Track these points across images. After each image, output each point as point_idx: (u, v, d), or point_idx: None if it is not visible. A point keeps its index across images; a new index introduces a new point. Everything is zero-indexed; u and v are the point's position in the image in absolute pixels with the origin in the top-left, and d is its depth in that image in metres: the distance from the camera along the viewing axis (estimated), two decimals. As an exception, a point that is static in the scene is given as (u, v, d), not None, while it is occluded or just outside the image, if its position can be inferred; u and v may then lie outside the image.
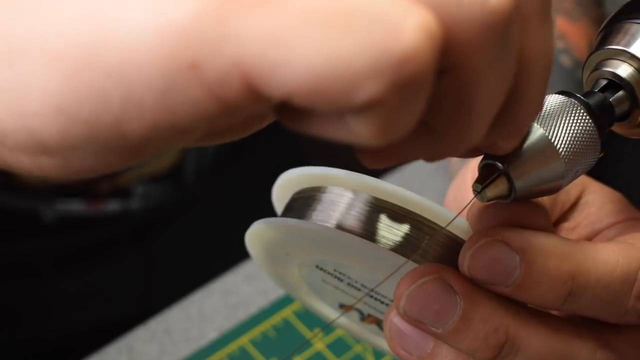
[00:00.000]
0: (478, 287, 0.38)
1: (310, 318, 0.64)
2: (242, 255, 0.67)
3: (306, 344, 0.41)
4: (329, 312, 0.50)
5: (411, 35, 0.25)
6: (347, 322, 0.50)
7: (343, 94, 0.25)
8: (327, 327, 0.41)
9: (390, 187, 0.41)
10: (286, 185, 0.44)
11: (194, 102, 0.26)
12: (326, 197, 0.42)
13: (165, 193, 0.80)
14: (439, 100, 0.29)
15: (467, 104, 0.29)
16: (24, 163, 0.29)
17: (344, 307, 0.49)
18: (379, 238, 0.40)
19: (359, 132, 0.26)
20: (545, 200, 0.41)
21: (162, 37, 0.25)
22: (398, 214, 0.40)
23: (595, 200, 0.45)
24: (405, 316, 0.39)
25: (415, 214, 0.40)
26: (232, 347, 0.63)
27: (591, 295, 0.38)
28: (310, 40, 0.25)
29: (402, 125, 0.27)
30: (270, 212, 0.48)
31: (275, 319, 0.64)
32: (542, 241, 0.38)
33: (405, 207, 0.41)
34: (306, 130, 0.28)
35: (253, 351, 0.63)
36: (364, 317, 0.49)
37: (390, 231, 0.40)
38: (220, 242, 0.79)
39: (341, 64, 0.25)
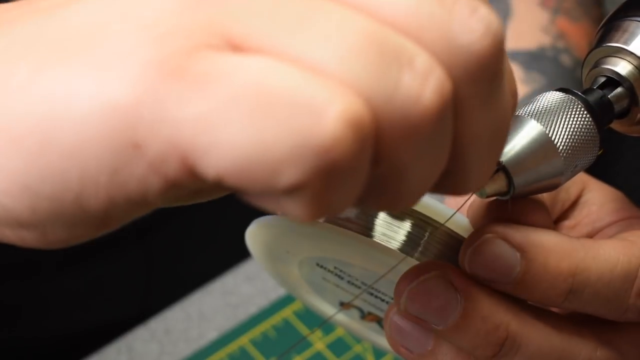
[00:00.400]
0: (479, 284, 0.38)
1: (310, 318, 0.64)
2: (242, 255, 0.67)
3: (302, 340, 0.41)
4: (330, 310, 0.50)
5: (332, 124, 0.26)
6: (347, 320, 0.50)
7: (267, 179, 0.26)
8: (324, 322, 0.41)
9: None
10: None
11: (141, 179, 0.27)
12: None
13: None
14: (370, 179, 0.29)
15: (395, 189, 0.29)
16: (8, 235, 0.30)
17: (344, 305, 0.49)
18: (379, 235, 0.40)
19: (290, 210, 0.27)
20: (545, 198, 0.41)
21: (105, 119, 0.27)
22: (400, 212, 0.41)
23: (595, 199, 0.45)
24: (406, 314, 0.38)
25: (416, 211, 0.40)
26: (232, 347, 0.63)
27: (592, 293, 0.38)
28: (236, 126, 0.26)
29: (333, 206, 0.27)
30: (267, 210, 0.48)
31: (275, 319, 0.64)
32: (543, 238, 0.38)
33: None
34: (249, 201, 0.28)
35: (253, 351, 0.63)
36: (365, 315, 0.49)
37: (391, 229, 0.40)
38: (220, 242, 0.79)
39: (263, 150, 0.26)
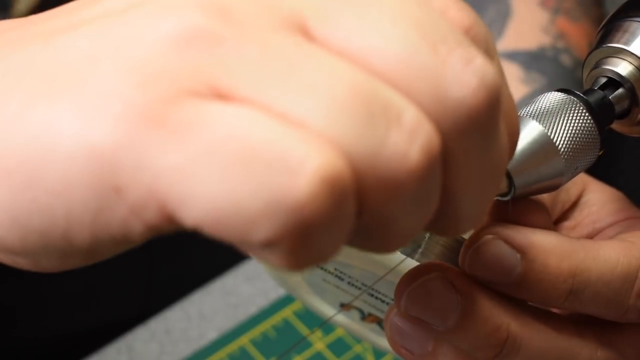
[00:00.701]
0: (479, 285, 0.38)
1: (310, 318, 0.64)
2: (242, 255, 0.67)
3: (302, 340, 0.41)
4: (330, 312, 0.50)
5: (307, 182, 0.25)
6: (347, 322, 0.50)
7: (241, 233, 0.26)
8: (324, 323, 0.41)
9: None
10: None
11: (122, 222, 0.27)
12: None
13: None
14: (356, 227, 0.28)
15: (382, 236, 0.29)
16: (2, 259, 0.31)
17: (344, 306, 0.49)
18: None
19: (270, 261, 0.27)
20: (545, 199, 0.41)
21: (88, 161, 0.27)
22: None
23: (595, 199, 0.45)
24: (406, 315, 0.38)
25: None
26: (232, 347, 0.63)
27: (592, 293, 0.38)
28: (212, 179, 0.25)
29: (314, 258, 0.27)
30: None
31: (275, 319, 0.64)
32: (543, 239, 0.38)
33: None
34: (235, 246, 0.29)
35: (253, 351, 0.63)
36: (365, 317, 0.49)
37: None
38: (220, 242, 0.79)
39: (237, 205, 0.25)
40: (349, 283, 0.45)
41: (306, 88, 0.26)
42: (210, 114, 0.26)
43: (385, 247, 0.29)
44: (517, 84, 0.60)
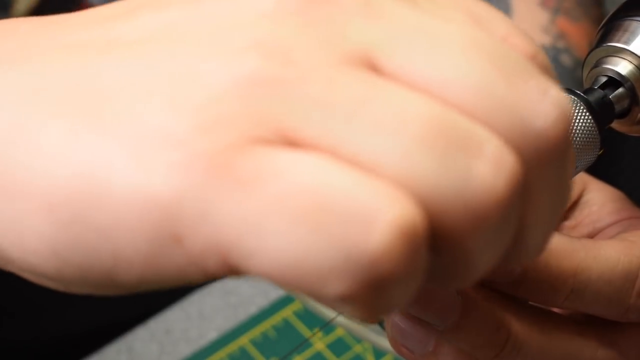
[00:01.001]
0: (480, 285, 0.38)
1: (310, 318, 0.64)
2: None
3: (305, 342, 0.41)
4: (330, 312, 0.50)
5: (381, 235, 0.24)
6: (348, 322, 0.50)
7: (313, 287, 0.25)
8: (326, 325, 0.41)
9: None
10: None
11: (178, 267, 0.26)
12: None
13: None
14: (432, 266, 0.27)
15: (460, 273, 0.27)
16: (31, 279, 0.29)
17: None
18: None
19: (345, 313, 0.26)
20: None
21: (147, 209, 0.25)
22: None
23: (596, 199, 0.45)
24: (407, 314, 0.38)
25: None
26: (232, 347, 0.63)
27: (593, 293, 0.38)
28: (281, 232, 0.24)
29: (389, 308, 0.26)
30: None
31: (275, 319, 0.64)
32: None
33: None
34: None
35: (253, 351, 0.63)
36: None
37: None
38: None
39: (308, 259, 0.24)
40: None
41: (377, 125, 0.25)
42: (280, 163, 0.25)
43: (465, 281, 0.28)
44: None
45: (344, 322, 0.50)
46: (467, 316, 0.38)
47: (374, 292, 0.25)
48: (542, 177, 0.27)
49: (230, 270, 0.26)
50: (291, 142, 0.25)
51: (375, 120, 0.25)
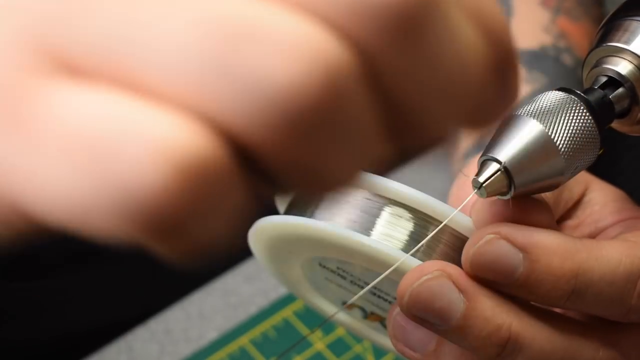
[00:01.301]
0: (481, 284, 0.38)
1: (310, 318, 0.64)
2: (242, 255, 0.67)
3: (302, 340, 0.41)
4: (332, 311, 0.50)
5: (157, 173, 0.22)
6: (349, 320, 0.50)
7: (105, 231, 0.23)
8: (324, 322, 0.41)
9: (394, 185, 0.41)
10: None
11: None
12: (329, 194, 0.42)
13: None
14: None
15: (304, 182, 0.24)
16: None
17: (345, 305, 0.49)
18: (381, 235, 0.40)
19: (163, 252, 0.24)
20: (548, 197, 0.41)
21: None
22: (402, 212, 0.40)
23: (598, 199, 0.45)
24: (409, 313, 0.38)
25: (420, 211, 0.40)
26: (232, 347, 0.63)
27: (594, 293, 0.38)
28: (61, 179, 0.23)
29: (199, 245, 0.24)
30: (270, 210, 0.48)
31: (275, 319, 0.64)
32: (546, 239, 0.38)
33: (410, 205, 0.41)
34: None
35: (253, 351, 0.63)
36: (367, 315, 0.49)
37: (394, 229, 0.40)
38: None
39: (87, 205, 0.22)
40: (351, 282, 0.45)
41: (159, 44, 0.22)
42: (54, 98, 0.23)
43: (319, 187, 0.25)
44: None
45: (346, 321, 0.50)
46: (469, 316, 0.38)
47: (162, 231, 0.23)
48: (392, 51, 0.23)
49: (27, 219, 0.24)
50: (73, 72, 0.23)
51: (157, 40, 0.22)
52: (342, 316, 0.50)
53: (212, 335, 0.64)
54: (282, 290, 0.66)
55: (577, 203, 0.45)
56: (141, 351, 0.63)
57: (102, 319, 0.73)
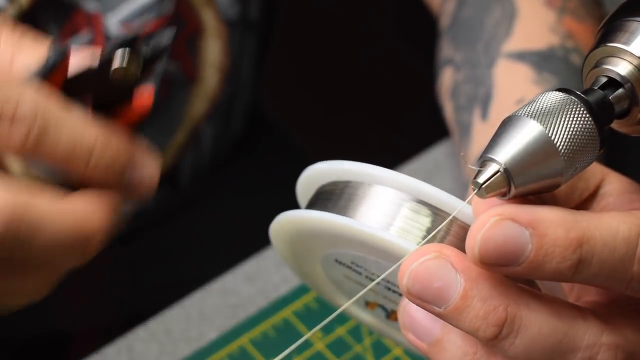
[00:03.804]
0: (479, 266, 0.38)
1: (310, 318, 0.64)
2: (242, 255, 0.67)
3: (304, 340, 0.42)
4: (357, 310, 0.50)
5: None
6: (374, 321, 0.50)
7: None
8: (327, 321, 0.42)
9: (410, 181, 0.41)
10: (310, 179, 0.45)
11: None
12: (348, 190, 0.43)
13: (164, 193, 0.80)
14: None
15: None
16: None
17: (369, 305, 0.49)
18: (400, 231, 0.41)
19: None
20: (562, 187, 0.41)
21: None
22: (419, 207, 0.41)
23: (613, 190, 0.45)
24: (409, 294, 0.39)
25: (438, 208, 0.41)
26: (232, 347, 0.63)
27: (599, 262, 0.38)
28: None
29: None
30: (269, 210, 0.48)
31: (275, 319, 0.64)
32: (548, 212, 0.38)
33: (427, 200, 0.41)
34: None
35: (253, 351, 0.63)
36: (389, 314, 0.49)
37: (411, 224, 0.41)
38: (219, 242, 0.79)
39: None
40: (366, 277, 0.46)
41: None
42: None
43: None
44: (529, 85, 0.60)
45: (371, 322, 0.50)
46: (466, 297, 0.38)
47: None
48: None
49: None
50: None
51: None
52: (366, 317, 0.50)
53: (212, 335, 0.64)
54: (282, 290, 0.66)
55: (593, 195, 0.45)
56: (141, 351, 0.63)
57: (102, 319, 0.73)
